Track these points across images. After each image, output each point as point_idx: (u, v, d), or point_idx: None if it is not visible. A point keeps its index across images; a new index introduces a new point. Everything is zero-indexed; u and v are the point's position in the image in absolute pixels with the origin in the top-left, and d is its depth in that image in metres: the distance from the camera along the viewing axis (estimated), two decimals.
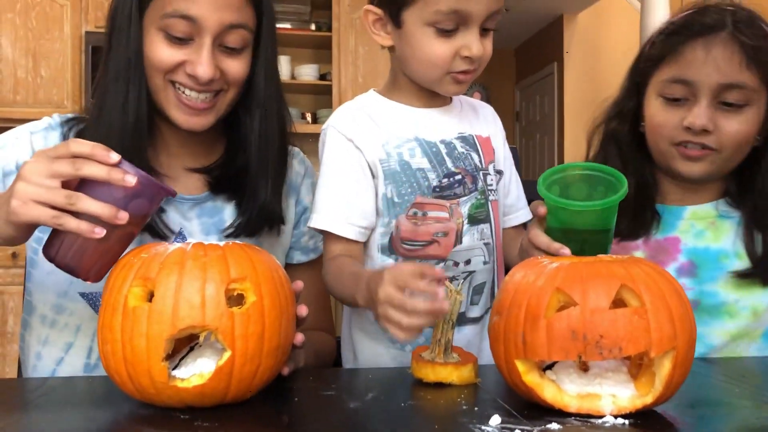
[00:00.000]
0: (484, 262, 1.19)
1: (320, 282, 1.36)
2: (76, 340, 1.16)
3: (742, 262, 1.22)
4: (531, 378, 0.81)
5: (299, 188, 1.31)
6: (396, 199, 1.13)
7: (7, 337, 3.62)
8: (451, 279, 1.14)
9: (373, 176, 1.13)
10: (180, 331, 0.79)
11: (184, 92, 1.09)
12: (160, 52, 1.08)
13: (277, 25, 1.19)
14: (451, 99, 1.22)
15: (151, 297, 0.81)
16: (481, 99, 1.40)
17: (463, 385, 0.93)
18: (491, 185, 1.20)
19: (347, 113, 1.17)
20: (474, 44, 1.07)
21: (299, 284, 0.96)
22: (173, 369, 0.82)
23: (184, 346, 0.86)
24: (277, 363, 0.87)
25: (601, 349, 0.76)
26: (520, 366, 0.81)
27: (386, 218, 1.14)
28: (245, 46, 1.12)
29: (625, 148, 1.27)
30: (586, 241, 0.95)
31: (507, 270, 1.03)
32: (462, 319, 1.18)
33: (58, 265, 0.89)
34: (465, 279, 1.17)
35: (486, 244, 1.18)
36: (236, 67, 1.11)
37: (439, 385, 0.93)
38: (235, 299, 0.83)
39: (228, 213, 1.21)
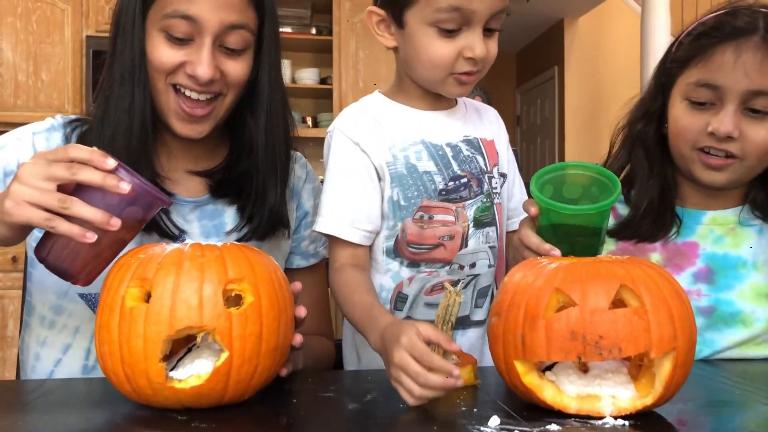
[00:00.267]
0: (489, 266, 1.18)
1: (320, 287, 1.36)
2: (74, 342, 1.16)
3: (760, 274, 1.21)
4: (530, 379, 0.81)
5: (300, 193, 1.31)
6: (402, 203, 1.12)
7: (6, 341, 3.62)
8: (455, 282, 1.14)
9: (380, 179, 1.13)
10: (177, 332, 0.79)
11: (184, 93, 1.09)
12: (161, 52, 1.08)
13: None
14: (455, 101, 1.21)
15: (148, 298, 0.81)
16: (482, 102, 1.39)
17: (462, 387, 0.92)
18: (496, 188, 1.19)
19: (353, 116, 1.16)
20: (477, 45, 1.05)
21: (297, 285, 0.95)
22: (171, 370, 0.82)
23: (181, 347, 0.86)
24: (276, 364, 0.87)
25: (601, 350, 0.75)
26: (520, 367, 0.81)
27: (392, 221, 1.13)
28: (246, 47, 1.12)
29: (651, 150, 1.24)
30: (577, 243, 0.95)
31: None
32: (466, 322, 1.18)
33: (49, 267, 0.90)
34: (470, 282, 1.17)
35: (491, 247, 1.18)
36: (237, 68, 1.11)
37: None
38: (233, 300, 0.83)
39: (229, 216, 1.21)
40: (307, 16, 4.69)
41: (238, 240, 1.17)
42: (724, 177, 1.17)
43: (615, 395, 0.79)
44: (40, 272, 1.16)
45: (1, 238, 0.92)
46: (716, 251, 1.23)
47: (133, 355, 0.79)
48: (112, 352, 0.81)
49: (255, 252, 0.89)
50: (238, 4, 1.08)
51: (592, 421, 0.78)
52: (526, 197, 1.27)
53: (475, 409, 0.83)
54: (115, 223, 0.85)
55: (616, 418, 0.78)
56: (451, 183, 1.13)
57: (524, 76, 7.32)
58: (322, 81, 4.70)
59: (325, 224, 1.12)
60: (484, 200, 1.16)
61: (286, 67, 4.46)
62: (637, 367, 0.82)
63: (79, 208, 0.85)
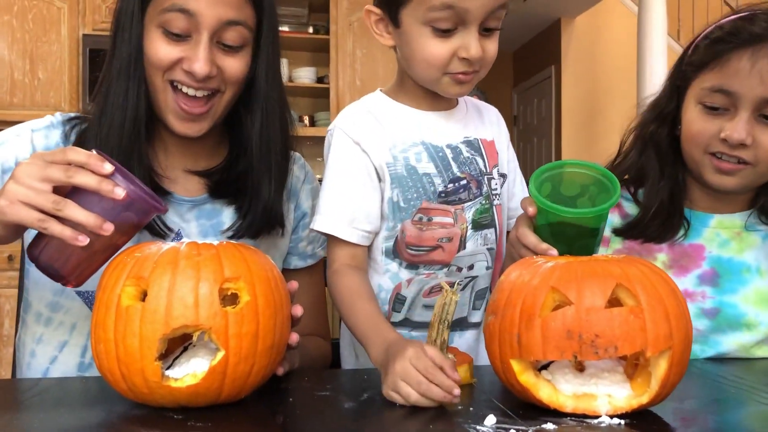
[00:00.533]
0: (487, 267, 1.18)
1: (318, 287, 1.36)
2: (70, 339, 1.16)
3: (763, 279, 1.22)
4: (526, 378, 0.81)
5: (299, 193, 1.30)
6: (402, 204, 1.11)
7: (2, 340, 3.61)
8: (453, 283, 1.13)
9: (380, 180, 1.12)
10: (173, 331, 0.79)
11: (182, 90, 1.09)
12: (158, 48, 1.08)
13: None
14: (456, 101, 1.20)
15: (144, 296, 0.80)
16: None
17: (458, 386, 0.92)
18: (495, 189, 1.19)
19: (354, 115, 1.15)
20: (472, 45, 1.03)
21: (294, 284, 0.95)
22: (167, 369, 0.82)
23: (177, 345, 0.86)
24: (272, 363, 0.87)
25: (597, 349, 0.75)
26: (516, 366, 0.81)
27: (391, 222, 1.12)
28: (244, 44, 1.12)
29: (663, 151, 1.24)
30: (574, 243, 0.95)
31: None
32: (464, 324, 1.18)
33: (40, 267, 0.90)
34: (468, 284, 1.17)
35: (489, 249, 1.17)
36: (234, 65, 1.11)
37: None
38: (229, 299, 0.83)
39: (226, 215, 1.20)
40: (305, 15, 4.69)
41: (232, 237, 1.17)
42: (734, 182, 1.16)
43: (611, 394, 0.79)
44: (36, 269, 1.16)
45: None
46: (722, 255, 1.23)
47: (129, 353, 0.79)
48: (107, 350, 0.81)
49: (251, 251, 0.88)
50: (236, 0, 1.08)
51: (588, 420, 0.78)
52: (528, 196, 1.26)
53: (471, 408, 0.83)
54: (108, 228, 0.86)
55: (612, 417, 0.78)
56: (451, 185, 1.13)
57: (521, 75, 7.32)
58: (319, 80, 4.70)
59: (323, 223, 1.11)
60: (483, 202, 1.16)
61: (283, 65, 4.43)
62: (633, 366, 0.82)
63: (73, 210, 0.85)
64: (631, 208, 1.27)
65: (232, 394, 0.84)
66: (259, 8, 1.13)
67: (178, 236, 1.16)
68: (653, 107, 1.27)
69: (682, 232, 1.23)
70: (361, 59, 4.58)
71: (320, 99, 4.73)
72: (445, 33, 1.03)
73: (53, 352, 1.16)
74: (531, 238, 0.98)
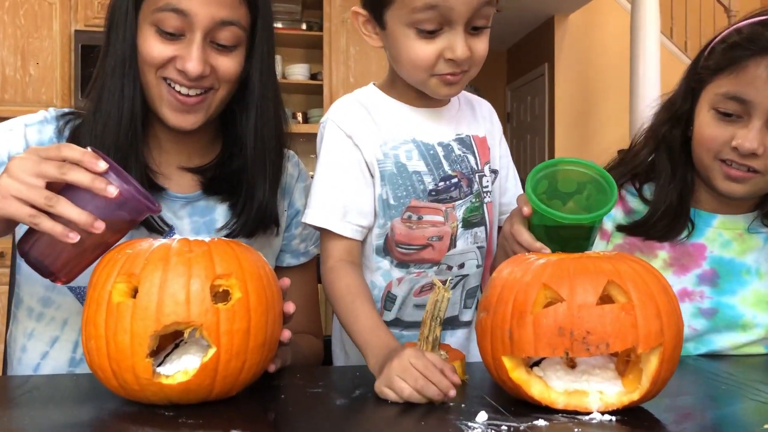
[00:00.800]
0: (478, 266, 1.18)
1: (310, 285, 1.35)
2: (62, 334, 1.16)
3: (762, 281, 1.22)
4: (518, 374, 0.81)
5: (292, 191, 1.30)
6: (392, 201, 1.11)
7: None
8: (444, 281, 1.13)
9: (371, 176, 1.11)
10: (164, 328, 0.79)
11: (174, 87, 1.09)
12: (152, 47, 1.08)
13: None
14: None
15: (135, 293, 0.80)
16: None
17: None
18: (486, 187, 1.18)
19: (348, 108, 1.14)
20: (458, 46, 1.00)
21: (286, 281, 0.95)
22: (158, 366, 0.82)
23: (169, 342, 0.86)
24: (263, 360, 0.86)
25: (588, 345, 0.76)
26: (507, 362, 0.81)
27: (382, 219, 1.12)
28: (237, 44, 1.11)
29: (675, 153, 1.23)
30: (568, 243, 0.95)
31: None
32: (455, 323, 1.18)
33: (29, 262, 0.90)
34: (458, 282, 1.16)
35: (480, 248, 1.17)
36: (227, 64, 1.11)
37: None
38: (221, 295, 0.82)
39: (220, 213, 1.20)
40: (298, 12, 4.68)
41: (227, 236, 1.16)
42: (743, 189, 1.16)
43: (602, 391, 0.80)
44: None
45: None
46: (723, 255, 1.23)
47: (120, 350, 0.79)
48: (98, 347, 0.80)
49: (243, 247, 0.88)
50: (230, 0, 1.08)
51: (580, 417, 0.78)
52: (520, 190, 1.26)
53: (462, 405, 0.83)
54: (99, 226, 0.85)
55: (603, 413, 0.78)
56: (442, 183, 1.12)
57: (514, 73, 7.33)
58: (313, 77, 4.69)
59: (316, 216, 1.09)
60: (474, 200, 1.15)
61: (276, 63, 4.43)
62: (624, 362, 0.82)
63: (65, 207, 0.85)
64: (635, 203, 1.27)
65: (224, 391, 0.84)
66: (253, 7, 1.12)
67: (171, 232, 1.16)
68: (667, 107, 1.25)
69: (685, 233, 1.23)
70: (354, 56, 4.58)
71: (313, 96, 4.72)
72: (430, 34, 1.01)
73: (44, 348, 1.16)
74: (525, 236, 0.98)
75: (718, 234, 1.24)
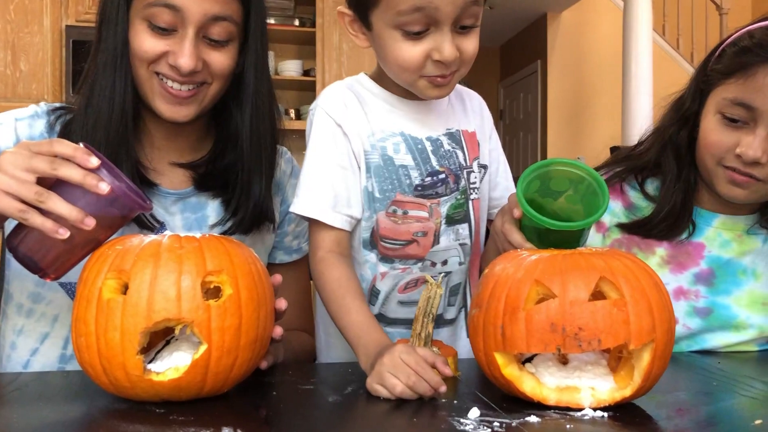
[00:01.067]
0: (460, 263, 1.17)
1: (302, 282, 1.34)
2: (52, 331, 1.15)
3: (758, 282, 1.22)
4: (510, 371, 0.81)
5: (285, 188, 1.30)
6: (377, 194, 1.10)
7: None
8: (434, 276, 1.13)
9: (359, 167, 1.10)
10: (155, 324, 0.78)
11: (167, 82, 1.09)
12: (144, 42, 1.07)
13: None
14: None
15: (125, 289, 0.79)
16: None
17: (442, 379, 0.92)
18: (474, 183, 1.17)
19: (338, 95, 1.11)
20: (445, 47, 0.98)
21: (278, 278, 0.95)
22: (149, 362, 0.81)
23: (159, 339, 0.85)
24: (255, 356, 0.86)
25: (580, 342, 0.76)
26: (500, 359, 0.81)
27: (367, 212, 1.11)
28: (230, 39, 1.11)
29: (681, 154, 1.22)
30: (558, 245, 0.95)
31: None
32: (439, 321, 1.17)
33: (18, 258, 0.89)
34: (442, 279, 1.16)
35: (462, 245, 1.16)
36: (220, 59, 1.10)
37: None
38: (212, 292, 0.82)
39: (212, 209, 1.20)
40: (291, 8, 4.66)
41: (223, 233, 1.16)
42: (745, 194, 1.15)
43: (594, 387, 0.80)
44: None
45: None
46: (722, 255, 1.23)
47: (111, 347, 0.78)
48: (89, 344, 0.80)
49: (234, 244, 0.88)
50: None
51: (572, 413, 0.78)
52: (513, 185, 1.25)
53: (455, 401, 0.83)
54: (90, 223, 0.85)
55: (595, 409, 0.78)
56: (428, 179, 1.11)
57: (507, 70, 7.34)
58: (306, 73, 4.68)
59: (305, 206, 1.07)
60: (459, 197, 1.14)
61: (269, 58, 4.43)
62: (616, 358, 0.82)
63: (55, 203, 0.84)
64: (636, 198, 1.26)
65: (215, 388, 0.83)
66: (246, 2, 1.12)
67: (162, 229, 1.16)
68: (676, 107, 1.24)
69: (686, 234, 1.23)
70: (347, 52, 4.57)
71: (306, 92, 4.71)
72: (416, 35, 0.99)
73: (34, 344, 1.15)
74: (516, 236, 0.98)
75: (717, 234, 1.24)
